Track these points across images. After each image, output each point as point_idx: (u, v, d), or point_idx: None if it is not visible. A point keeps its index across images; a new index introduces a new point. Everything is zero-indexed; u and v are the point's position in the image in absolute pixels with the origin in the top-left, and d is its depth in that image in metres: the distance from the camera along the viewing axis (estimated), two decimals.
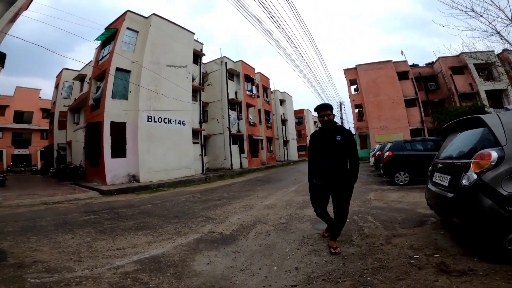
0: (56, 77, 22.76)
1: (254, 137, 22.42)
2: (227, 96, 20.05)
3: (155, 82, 13.35)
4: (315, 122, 50.52)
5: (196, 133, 16.65)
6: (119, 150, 11.86)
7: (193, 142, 15.63)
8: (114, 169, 11.59)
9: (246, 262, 2.78)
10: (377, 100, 25.04)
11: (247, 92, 22.45)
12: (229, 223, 4.55)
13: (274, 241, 3.42)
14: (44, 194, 9.34)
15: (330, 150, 2.88)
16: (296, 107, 40.98)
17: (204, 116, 19.18)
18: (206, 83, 20.47)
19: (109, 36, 13.55)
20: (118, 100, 12.28)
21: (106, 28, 13.96)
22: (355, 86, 28.23)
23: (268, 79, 28.99)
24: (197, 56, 18.35)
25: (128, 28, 13.41)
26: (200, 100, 18.09)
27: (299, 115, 43.18)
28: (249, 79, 22.95)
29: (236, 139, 20.63)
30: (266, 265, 2.67)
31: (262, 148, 24.74)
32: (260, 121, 25.15)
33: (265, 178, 13.40)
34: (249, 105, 22.65)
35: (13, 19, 11.10)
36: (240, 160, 20.65)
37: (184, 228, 4.33)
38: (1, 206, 7.03)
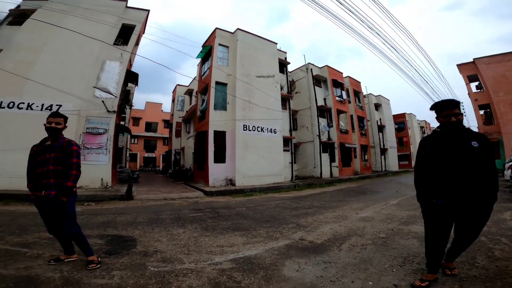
0: (172, 92, 27.94)
1: (346, 145, 21.10)
2: (316, 103, 19.70)
3: (248, 92, 14.45)
4: (421, 127, 43.27)
5: (286, 141, 17.00)
6: (220, 156, 13.39)
7: (284, 150, 15.99)
8: (216, 173, 13.12)
9: (338, 274, 2.66)
10: (510, 98, 19.45)
11: (337, 98, 21.48)
12: (320, 232, 4.44)
13: (371, 256, 3.15)
14: (164, 191, 11.44)
15: (462, 160, 2.21)
16: (396, 111, 36.20)
17: (294, 124, 19.36)
18: (294, 91, 20.62)
19: (206, 53, 15.51)
20: (219, 111, 13.89)
21: (203, 46, 16.10)
22: (476, 83, 22.79)
23: (359, 82, 26.91)
24: (283, 65, 18.73)
25: (220, 44, 14.98)
26: (289, 108, 18.39)
27: (400, 120, 37.79)
28: (337, 84, 21.95)
29: (327, 147, 19.92)
30: (359, 279, 2.49)
31: (355, 157, 23.01)
32: (352, 128, 23.53)
33: (358, 188, 12.46)
34: (339, 112, 21.58)
35: (137, 42, 14.33)
36: (330, 169, 19.79)
37: (275, 233, 4.45)
38: (135, 199, 8.95)
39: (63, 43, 10.97)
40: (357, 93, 26.39)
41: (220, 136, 13.54)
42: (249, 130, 14.08)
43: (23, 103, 9.88)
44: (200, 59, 16.67)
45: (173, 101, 27.26)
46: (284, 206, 7.58)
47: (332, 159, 20.02)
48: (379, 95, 31.80)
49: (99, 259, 2.88)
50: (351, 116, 23.66)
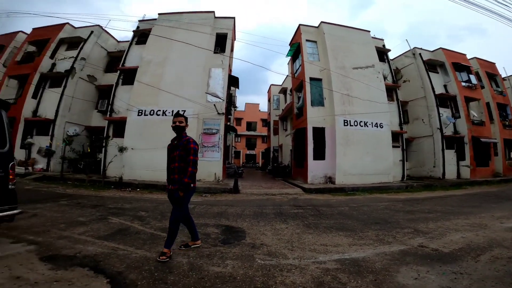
0: (267, 92, 29.25)
1: (482, 139, 16.55)
2: (433, 91, 16.30)
3: (346, 86, 13.49)
4: None
5: (395, 136, 14.86)
6: (319, 153, 13.03)
7: (393, 146, 14.08)
8: (315, 170, 12.84)
9: (471, 286, 2.26)
10: None
11: (462, 84, 17.19)
12: (449, 240, 3.77)
13: None
14: (265, 186, 12.08)
15: None
16: None
17: (404, 116, 16.74)
18: (401, 80, 17.93)
19: (295, 50, 15.25)
20: (316, 107, 13.52)
21: (290, 44, 15.86)
22: None
23: (493, 64, 20.73)
24: (382, 53, 16.59)
25: (307, 40, 14.50)
26: (397, 99, 16.05)
27: None
28: (461, 67, 17.59)
29: (452, 142, 16.22)
30: None
31: (495, 155, 17.86)
32: (491, 118, 18.31)
33: (501, 193, 9.73)
34: (468, 99, 17.16)
35: (232, 48, 15.50)
36: (458, 169, 16.03)
37: (387, 237, 4.00)
38: (241, 193, 9.77)
39: (178, 57, 13.14)
40: (493, 76, 20.45)
41: (319, 133, 13.17)
42: (350, 125, 13.11)
43: (160, 110, 12.46)
44: (290, 57, 16.71)
45: (268, 100, 28.56)
46: (395, 209, 6.72)
47: (460, 157, 16.17)
48: None
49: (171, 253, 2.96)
50: (487, 104, 18.53)
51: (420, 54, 17.35)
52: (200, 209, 6.27)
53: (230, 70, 14.73)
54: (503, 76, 21.63)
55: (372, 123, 13.45)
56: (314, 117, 13.26)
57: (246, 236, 4.01)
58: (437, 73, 17.78)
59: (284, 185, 13.10)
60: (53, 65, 15.49)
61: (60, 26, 16.28)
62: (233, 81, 15.14)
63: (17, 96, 15.05)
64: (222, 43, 14.13)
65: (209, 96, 12.86)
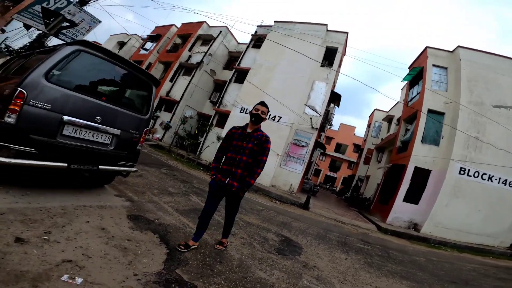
0: (369, 116, 26.83)
1: None
2: None
3: (477, 127, 10.92)
4: None
5: None
6: (413, 196, 11.19)
7: None
8: (400, 212, 11.11)
9: None
10: None
11: None
12: None
13: None
14: (337, 212, 11.24)
15: None
16: None
17: None
18: None
19: (415, 76, 13.31)
20: (427, 145, 11.57)
21: (410, 67, 13.87)
22: None
23: None
24: None
25: (433, 65, 12.45)
26: None
27: None
28: None
29: None
30: None
31: None
32: None
33: None
34: None
35: (340, 64, 14.73)
36: None
37: None
38: (310, 210, 9.44)
39: (287, 64, 13.68)
40: None
41: (421, 174, 11.27)
42: (468, 175, 10.62)
43: None
44: (407, 82, 14.82)
45: (368, 126, 26.33)
46: (485, 273, 5.66)
47: None
48: None
49: (227, 244, 3.15)
50: None
51: None
52: (267, 213, 6.41)
53: (333, 86, 14.43)
54: None
55: (500, 178, 10.54)
56: (420, 155, 11.43)
57: (301, 253, 3.91)
58: None
59: (358, 217, 11.88)
60: (189, 57, 19.09)
61: (200, 24, 19.83)
62: (334, 98, 14.77)
63: (160, 77, 19.17)
64: (330, 56, 14.01)
65: (307, 108, 12.96)
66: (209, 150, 13.45)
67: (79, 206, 2.91)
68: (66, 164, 2.82)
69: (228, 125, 13.66)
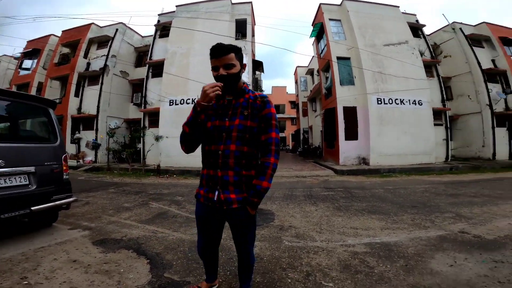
0: (294, 74, 28.79)
1: None
2: (479, 66, 14.78)
3: (377, 64, 12.90)
4: None
5: (438, 114, 13.86)
6: (351, 133, 12.65)
7: (435, 124, 13.19)
8: (347, 151, 12.54)
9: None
10: None
11: None
12: (493, 226, 3.50)
13: None
14: (295, 169, 12.10)
15: None
16: None
17: (447, 93, 15.49)
18: (440, 56, 16.63)
19: (319, 31, 14.74)
20: (346, 86, 13.07)
21: (313, 24, 15.25)
22: None
23: None
24: (416, 29, 15.55)
25: (330, 19, 13.97)
26: (438, 75, 14.99)
27: None
28: (509, 41, 15.83)
29: (504, 119, 14.62)
30: None
31: None
32: None
33: None
34: None
35: (253, 33, 15.31)
36: (510, 149, 14.49)
37: (424, 221, 3.82)
38: None
39: (201, 46, 13.18)
40: None
41: (350, 112, 12.73)
42: (384, 103, 12.49)
43: (189, 99, 12.91)
44: (314, 37, 16.21)
45: (296, 82, 28.23)
46: (436, 192, 6.34)
47: None
48: None
49: None
50: None
51: (460, 28, 15.84)
52: None
53: (253, 55, 14.79)
54: None
55: (410, 100, 12.66)
56: (344, 96, 12.85)
57: (275, 219, 4.08)
58: (483, 47, 16.20)
59: (315, 167, 13.00)
60: (88, 64, 16.62)
61: (87, 27, 17.17)
62: (257, 66, 15.20)
63: (61, 95, 16.44)
64: (242, 28, 14.14)
65: None
66: (152, 153, 12.68)
67: (38, 249, 2.78)
68: None
69: (163, 122, 12.96)
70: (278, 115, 41.32)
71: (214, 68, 1.46)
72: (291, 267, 2.40)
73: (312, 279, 2.16)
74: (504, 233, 3.20)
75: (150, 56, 15.28)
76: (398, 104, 12.57)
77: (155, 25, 15.71)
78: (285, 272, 2.30)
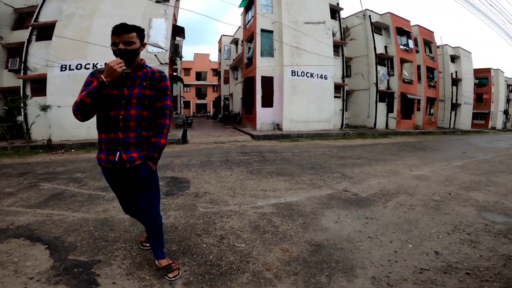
0: (218, 42, 27.90)
1: (409, 95, 18.85)
2: (374, 50, 17.75)
3: (296, 39, 13.87)
4: (509, 85, 35.36)
5: (338, 88, 16.18)
6: (267, 101, 13.55)
7: (335, 97, 15.35)
8: (263, 117, 13.50)
9: (377, 231, 2.58)
10: None
11: (401, 47, 19.01)
12: (367, 185, 4.27)
13: (418, 218, 2.95)
14: (215, 135, 12.21)
15: None
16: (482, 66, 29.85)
17: (347, 71, 18.19)
18: (348, 38, 19.20)
19: (249, 1, 14.74)
20: (266, 58, 13.66)
21: None
22: None
23: (432, 32, 23.19)
24: (335, 11, 17.16)
25: None
26: (342, 55, 17.27)
27: (483, 75, 31.22)
28: (402, 32, 19.30)
29: (385, 96, 18.29)
30: (399, 240, 2.40)
31: (418, 110, 20.71)
32: (419, 79, 20.81)
33: (417, 144, 11.22)
34: (403, 61, 19.09)
35: None
36: (387, 120, 18.44)
37: (319, 181, 4.42)
38: (189, 143, 9.72)
39: (111, 8, 11.36)
40: (429, 43, 23.03)
41: (267, 82, 13.47)
42: (297, 75, 13.73)
43: (89, 63, 10.95)
44: (243, 8, 15.98)
45: (219, 50, 27.49)
46: (330, 154, 7.41)
47: (389, 110, 18.50)
48: (458, 47, 26.71)
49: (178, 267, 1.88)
50: (418, 66, 20.90)
51: (370, 16, 18.23)
52: None
53: (175, 20, 13.70)
54: (438, 44, 24.30)
55: (317, 74, 14.24)
56: (263, 66, 13.42)
57: (190, 186, 4.07)
58: (381, 35, 19.12)
59: (234, 132, 13.46)
60: None
61: None
62: (178, 31, 14.12)
63: None
64: None
65: (149, 47, 11.71)
66: (39, 126, 10.25)
67: None
68: None
69: (52, 90, 10.64)
70: (200, 82, 39.96)
71: (114, 44, 1.59)
72: (205, 232, 2.51)
73: (226, 242, 2.33)
74: (374, 191, 3.94)
75: (36, 18, 11.89)
76: (308, 77, 14.01)
77: None
78: (200, 238, 2.41)
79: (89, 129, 9.87)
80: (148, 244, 2.11)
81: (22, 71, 11.63)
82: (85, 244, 2.26)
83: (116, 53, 1.57)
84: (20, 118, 11.31)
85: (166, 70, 11.80)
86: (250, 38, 14.99)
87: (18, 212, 3.09)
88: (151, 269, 1.89)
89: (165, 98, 1.72)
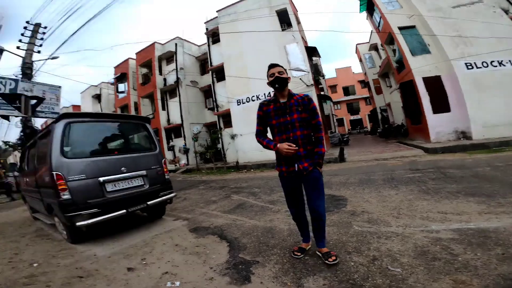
0: (355, 53, 26.24)
1: None
2: None
3: (452, 27, 10.88)
4: None
5: None
6: (440, 105, 10.80)
7: None
8: (438, 126, 10.77)
9: None
10: None
11: None
12: None
13: None
14: (375, 151, 11.15)
15: None
16: None
17: None
18: None
19: (368, 4, 13.53)
20: (420, 56, 11.37)
21: None
22: None
23: None
24: None
25: None
26: None
27: None
28: None
29: None
30: None
31: None
32: None
33: None
34: None
35: (298, 21, 14.83)
36: None
37: None
38: (347, 161, 9.46)
39: (252, 44, 13.73)
40: None
41: (433, 82, 10.90)
42: (477, 67, 10.28)
43: (254, 96, 13.63)
44: (365, 12, 14.83)
45: (360, 60, 25.77)
46: None
47: None
48: None
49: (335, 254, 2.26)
50: None
51: None
52: None
53: (305, 42, 14.56)
54: None
55: (510, 61, 10.11)
56: (420, 66, 11.18)
57: (347, 204, 3.97)
58: None
59: (399, 147, 11.67)
60: (164, 79, 19.17)
61: (152, 46, 19.53)
62: (311, 52, 14.79)
63: (152, 111, 19.56)
64: (285, 19, 13.96)
65: (293, 72, 13.00)
66: (230, 151, 14.00)
67: (153, 236, 3.59)
68: (125, 211, 3.54)
69: (235, 121, 13.99)
70: (349, 97, 38.76)
71: (271, 75, 2.25)
72: (356, 251, 2.37)
73: (377, 263, 2.10)
74: None
75: (210, 63, 16.58)
76: (496, 66, 10.12)
77: (205, 34, 16.90)
78: (350, 255, 2.30)
79: (261, 153, 12.09)
80: (299, 254, 2.40)
81: (215, 109, 16.20)
82: (252, 246, 2.82)
83: (273, 81, 2.21)
84: (219, 146, 15.55)
85: (313, 91, 12.57)
86: (389, 40, 13.28)
87: (217, 215, 4.32)
88: (294, 276, 2.09)
89: (316, 116, 2.24)
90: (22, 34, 11.09)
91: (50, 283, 2.44)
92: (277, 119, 2.21)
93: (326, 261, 2.16)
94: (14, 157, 27.05)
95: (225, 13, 15.19)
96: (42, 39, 11.52)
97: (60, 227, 3.75)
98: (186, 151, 17.20)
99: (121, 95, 22.47)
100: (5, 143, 20.85)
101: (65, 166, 3.17)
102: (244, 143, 13.26)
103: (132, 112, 20.33)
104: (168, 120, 18.57)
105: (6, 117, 10.91)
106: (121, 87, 22.50)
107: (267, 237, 3.02)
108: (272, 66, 2.29)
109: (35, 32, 11.30)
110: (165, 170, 4.28)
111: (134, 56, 20.98)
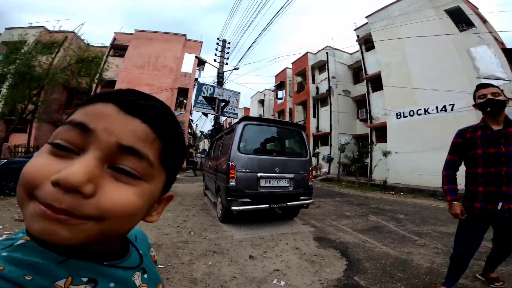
0: None
1: None
2: None
3: None
4: None
5: None
6: None
7: None
8: None
9: None
10: None
11: None
12: None
13: None
14: None
15: None
16: None
17: None
18: None
19: None
20: None
21: None
22: None
23: None
24: None
25: None
26: None
27: None
28: None
29: None
30: None
31: None
32: None
33: None
34: None
35: (483, 19, 11.17)
36: None
37: None
38: None
39: (418, 48, 11.62)
40: None
41: None
42: None
43: (420, 109, 11.57)
44: None
45: None
46: None
47: None
48: None
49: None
50: None
51: None
52: None
53: (501, 44, 10.73)
54: None
55: None
56: None
57: None
58: None
59: None
60: (317, 88, 19.82)
61: (305, 56, 20.46)
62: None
63: (304, 117, 20.94)
64: (461, 17, 10.96)
65: (483, 80, 9.93)
66: (379, 168, 12.47)
67: (280, 234, 3.95)
68: (267, 205, 4.07)
69: (391, 137, 12.51)
70: None
71: (481, 96, 1.89)
72: None
73: None
74: None
75: (365, 72, 15.52)
76: None
77: (356, 41, 15.92)
78: None
79: (421, 176, 10.26)
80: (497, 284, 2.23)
81: (368, 121, 15.09)
82: (373, 273, 2.59)
83: (484, 103, 1.86)
84: (367, 160, 14.50)
85: None
86: None
87: (347, 231, 4.20)
88: None
89: None
90: (216, 49, 14.59)
91: (193, 251, 3.03)
92: (486, 148, 1.85)
93: (491, 285, 2.19)
94: (203, 144, 36.71)
95: (376, 18, 14.10)
96: (228, 53, 14.92)
97: (218, 206, 4.66)
98: (330, 160, 17.21)
99: (279, 101, 26.09)
100: (201, 132, 29.81)
101: (238, 159, 4.08)
102: (398, 162, 11.63)
103: (287, 117, 22.82)
104: (317, 127, 19.30)
105: (206, 114, 15.43)
106: (280, 94, 26.06)
107: (395, 269, 2.69)
108: (483, 86, 1.93)
109: (223, 47, 14.69)
110: (310, 177, 4.63)
111: (291, 66, 23.41)
